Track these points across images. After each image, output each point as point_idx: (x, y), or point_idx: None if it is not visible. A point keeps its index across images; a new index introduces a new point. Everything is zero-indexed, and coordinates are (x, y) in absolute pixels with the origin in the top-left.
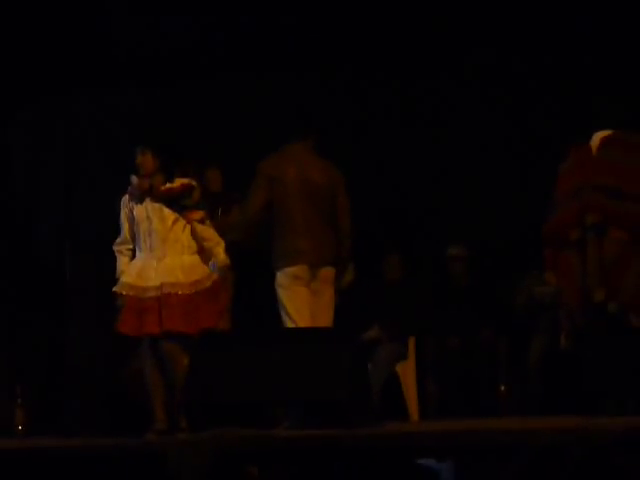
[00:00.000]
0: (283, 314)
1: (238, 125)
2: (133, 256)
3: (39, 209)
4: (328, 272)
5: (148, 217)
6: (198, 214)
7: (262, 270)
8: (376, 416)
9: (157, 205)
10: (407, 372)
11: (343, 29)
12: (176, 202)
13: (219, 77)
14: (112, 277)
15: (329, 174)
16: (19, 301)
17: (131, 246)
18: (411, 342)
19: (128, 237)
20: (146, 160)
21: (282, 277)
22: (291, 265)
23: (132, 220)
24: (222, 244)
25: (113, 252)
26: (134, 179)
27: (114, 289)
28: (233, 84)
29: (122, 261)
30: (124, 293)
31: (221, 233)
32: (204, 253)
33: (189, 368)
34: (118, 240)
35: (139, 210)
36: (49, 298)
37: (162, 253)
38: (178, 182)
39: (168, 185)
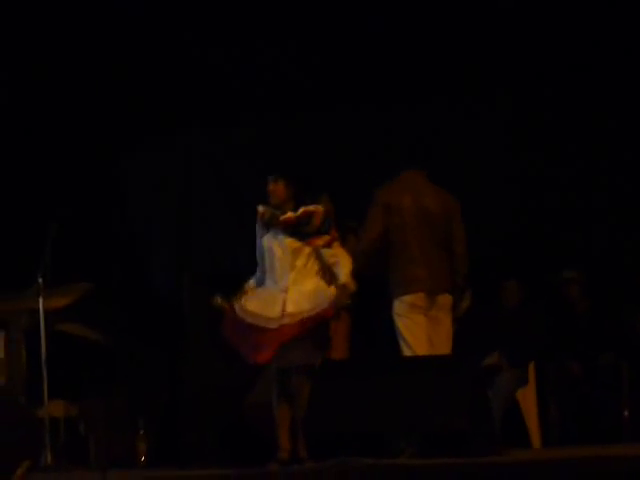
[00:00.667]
0: (401, 342)
1: (352, 154)
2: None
3: (155, 242)
4: (445, 299)
5: (272, 247)
6: (322, 239)
7: (380, 298)
8: (497, 444)
9: (280, 235)
10: (528, 399)
11: (456, 61)
12: (297, 230)
13: (335, 109)
14: None
15: (444, 202)
16: (138, 334)
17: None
18: (531, 368)
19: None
20: (278, 189)
21: (400, 305)
22: (409, 293)
23: (261, 249)
24: (348, 266)
25: (229, 284)
26: (260, 208)
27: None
28: (348, 115)
29: (249, 282)
30: (247, 321)
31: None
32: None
33: (310, 397)
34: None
35: (266, 240)
36: (167, 330)
37: (286, 283)
38: (301, 210)
39: (289, 214)
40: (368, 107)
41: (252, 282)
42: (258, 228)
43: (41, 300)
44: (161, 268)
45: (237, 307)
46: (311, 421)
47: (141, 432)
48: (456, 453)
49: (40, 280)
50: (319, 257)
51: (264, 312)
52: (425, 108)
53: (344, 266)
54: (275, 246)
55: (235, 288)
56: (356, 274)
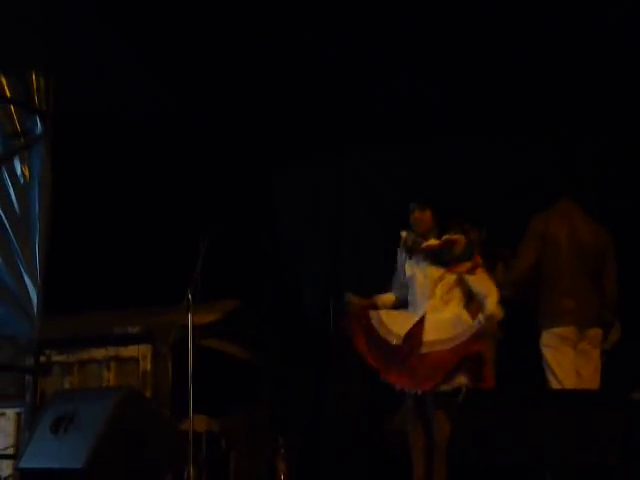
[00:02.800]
0: (549, 374)
1: (499, 181)
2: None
3: (307, 262)
4: (595, 333)
5: (414, 274)
6: (464, 266)
7: (528, 328)
8: None
9: (422, 262)
10: None
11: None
12: (438, 258)
13: (491, 136)
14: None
15: (599, 234)
16: (284, 354)
17: (397, 294)
18: None
19: (397, 285)
20: (424, 217)
21: (549, 337)
22: (559, 325)
23: (402, 274)
24: (494, 294)
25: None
26: (403, 234)
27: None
28: (504, 143)
29: (386, 295)
30: (379, 332)
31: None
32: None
33: (454, 426)
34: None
35: (408, 266)
36: (313, 353)
37: (424, 310)
38: (444, 238)
39: (431, 241)
40: (523, 135)
41: (390, 295)
42: (400, 253)
43: (190, 315)
44: (311, 290)
45: (373, 314)
46: (455, 450)
47: (282, 451)
48: None
49: (190, 296)
50: (462, 285)
51: (395, 329)
52: (576, 137)
53: (491, 294)
54: (417, 273)
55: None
56: (505, 302)
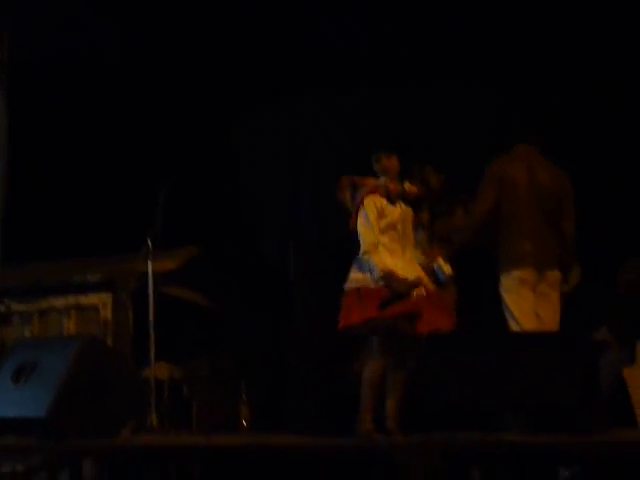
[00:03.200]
0: (509, 317)
1: (457, 125)
2: None
3: (264, 209)
4: (554, 275)
5: (403, 220)
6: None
7: (486, 273)
8: (605, 422)
9: (408, 208)
10: (635, 377)
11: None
12: (415, 205)
13: (447, 81)
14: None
15: (559, 179)
16: (245, 299)
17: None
18: (639, 346)
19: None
20: (392, 163)
21: (508, 280)
22: (517, 268)
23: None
24: None
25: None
26: (384, 181)
27: (411, 280)
28: (461, 87)
29: (386, 255)
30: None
31: (447, 235)
32: None
33: (416, 371)
34: (372, 240)
35: (393, 212)
36: (274, 296)
37: (411, 255)
38: (407, 185)
39: (411, 187)
40: (480, 79)
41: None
42: (375, 199)
43: (150, 263)
44: (269, 234)
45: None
46: (417, 395)
47: (244, 396)
48: (563, 430)
49: (149, 243)
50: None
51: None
52: (537, 81)
53: None
54: (406, 219)
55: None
56: (464, 248)
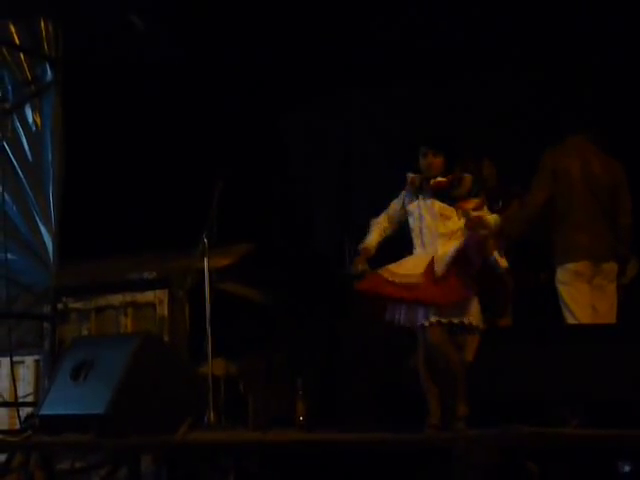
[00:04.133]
0: (565, 310)
1: (512, 119)
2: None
3: (317, 204)
4: (610, 267)
5: (420, 214)
6: (472, 202)
7: (542, 265)
8: None
9: (429, 201)
10: None
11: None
12: (447, 195)
13: (498, 72)
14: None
15: (612, 169)
16: (298, 294)
17: (387, 226)
18: None
19: (388, 216)
20: (437, 162)
21: (563, 273)
22: (573, 261)
23: (402, 215)
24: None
25: (387, 245)
26: (409, 176)
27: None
28: (505, 79)
29: (372, 236)
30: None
31: (501, 228)
32: None
33: (473, 363)
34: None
35: (412, 207)
36: (328, 291)
37: (434, 249)
38: (452, 175)
39: (439, 178)
40: (532, 71)
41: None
42: (406, 195)
43: (205, 260)
44: (322, 228)
45: (384, 272)
46: (474, 388)
47: (300, 392)
48: (622, 424)
49: (205, 240)
50: (469, 221)
51: (402, 271)
52: (589, 71)
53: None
54: (424, 212)
55: (393, 248)
56: (520, 240)
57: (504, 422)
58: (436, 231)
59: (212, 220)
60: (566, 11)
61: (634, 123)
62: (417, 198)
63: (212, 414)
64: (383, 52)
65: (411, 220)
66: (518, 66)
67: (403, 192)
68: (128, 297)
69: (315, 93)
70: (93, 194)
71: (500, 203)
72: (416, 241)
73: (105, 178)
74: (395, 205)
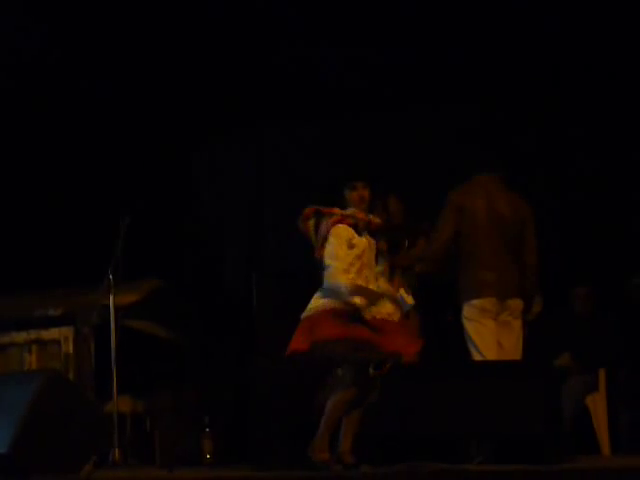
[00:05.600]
0: (471, 347)
1: (419, 156)
2: None
3: (226, 240)
4: (516, 304)
5: (369, 249)
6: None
7: (449, 302)
8: (568, 450)
9: (372, 239)
10: (598, 404)
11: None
12: (375, 235)
13: (407, 109)
14: (298, 307)
15: (518, 207)
16: (207, 331)
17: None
18: (602, 374)
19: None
20: (366, 194)
21: (469, 309)
22: (479, 297)
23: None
24: None
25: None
26: (352, 211)
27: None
28: (415, 115)
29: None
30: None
31: (408, 265)
32: None
33: (380, 400)
34: (344, 267)
35: (360, 242)
36: (237, 329)
37: (374, 286)
38: (372, 216)
39: (376, 219)
40: (442, 107)
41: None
42: (343, 229)
43: (111, 296)
44: (232, 266)
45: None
46: (380, 424)
47: (207, 430)
48: (527, 459)
49: (111, 276)
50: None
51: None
52: (500, 110)
53: None
54: (371, 249)
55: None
56: (426, 277)
57: (410, 460)
58: (372, 265)
59: (118, 256)
60: (472, 49)
61: (541, 159)
62: (362, 234)
63: (117, 452)
64: (293, 88)
65: (358, 255)
66: (426, 105)
67: (341, 229)
68: (33, 334)
69: (226, 129)
70: None
71: (407, 242)
72: (357, 275)
73: (10, 213)
74: (347, 250)
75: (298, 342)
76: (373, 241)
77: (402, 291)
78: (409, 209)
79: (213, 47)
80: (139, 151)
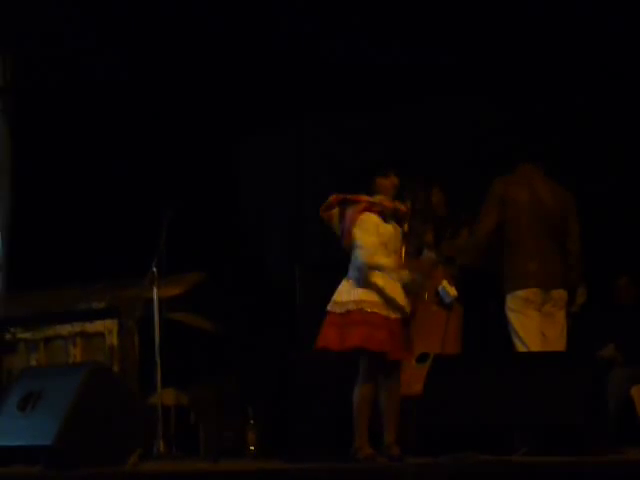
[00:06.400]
0: (514, 338)
1: (461, 147)
2: None
3: (269, 233)
4: (560, 295)
5: (395, 237)
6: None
7: (493, 293)
8: (612, 441)
9: (397, 226)
10: None
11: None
12: (404, 223)
13: (444, 99)
14: None
15: (561, 197)
16: (250, 323)
17: None
18: None
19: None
20: (391, 181)
21: (513, 300)
22: (522, 288)
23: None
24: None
25: (341, 274)
26: (379, 198)
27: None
28: (457, 106)
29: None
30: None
31: (451, 256)
32: None
33: (424, 391)
34: (373, 252)
35: (387, 229)
36: (279, 321)
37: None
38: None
39: (402, 206)
40: (488, 98)
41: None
42: (371, 217)
43: (155, 289)
44: (274, 257)
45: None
46: (424, 416)
47: (251, 421)
48: (572, 451)
49: (154, 269)
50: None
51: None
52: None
53: None
54: (397, 236)
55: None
56: (469, 269)
57: (454, 450)
58: (398, 252)
59: (161, 249)
60: (516, 41)
61: (585, 149)
62: (388, 221)
63: (162, 444)
64: (336, 80)
65: (385, 243)
66: (469, 93)
67: (369, 217)
68: (77, 327)
69: (267, 122)
70: (42, 224)
71: (448, 233)
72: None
73: (54, 207)
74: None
75: (328, 339)
76: (399, 228)
77: (445, 282)
78: (452, 200)
79: (256, 40)
80: (182, 145)
